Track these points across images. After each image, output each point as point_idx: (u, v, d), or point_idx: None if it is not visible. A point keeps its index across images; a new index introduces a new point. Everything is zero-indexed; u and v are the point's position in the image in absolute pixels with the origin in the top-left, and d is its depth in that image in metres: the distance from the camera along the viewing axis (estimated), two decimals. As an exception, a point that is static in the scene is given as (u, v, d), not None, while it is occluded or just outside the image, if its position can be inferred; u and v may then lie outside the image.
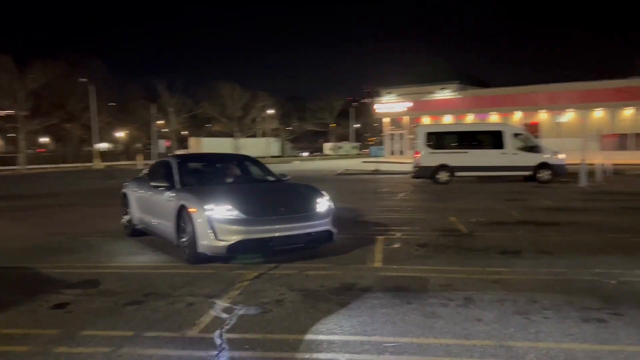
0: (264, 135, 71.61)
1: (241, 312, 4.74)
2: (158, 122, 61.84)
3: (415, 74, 47.68)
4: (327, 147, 76.27)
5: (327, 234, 7.06)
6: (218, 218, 6.43)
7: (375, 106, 49.30)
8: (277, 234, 6.54)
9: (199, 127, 74.29)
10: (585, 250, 7.22)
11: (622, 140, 34.29)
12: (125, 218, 9.07)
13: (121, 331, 4.31)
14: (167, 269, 6.59)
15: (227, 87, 63.37)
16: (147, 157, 51.35)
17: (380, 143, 56.83)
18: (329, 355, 3.75)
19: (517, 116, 39.14)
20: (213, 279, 5.90)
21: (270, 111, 70.94)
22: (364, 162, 42.32)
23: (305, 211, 6.99)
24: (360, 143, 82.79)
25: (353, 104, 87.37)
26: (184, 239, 6.78)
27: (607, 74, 42.08)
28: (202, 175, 8.36)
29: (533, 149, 19.97)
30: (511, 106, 39.46)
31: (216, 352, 3.83)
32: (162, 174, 8.08)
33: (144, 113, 60.55)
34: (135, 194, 8.83)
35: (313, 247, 6.99)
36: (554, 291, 5.25)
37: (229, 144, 61.15)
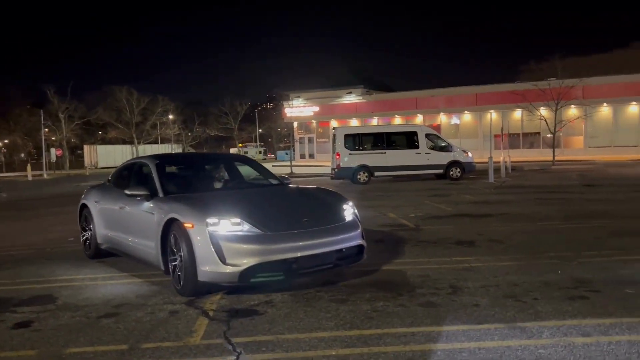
0: (163, 141, 68.93)
1: (235, 315, 4.49)
2: (47, 129, 57.22)
3: (321, 79, 48.55)
4: (233, 152, 75.27)
5: (359, 249, 5.61)
6: (225, 235, 4.93)
7: (286, 110, 49.46)
8: (302, 253, 5.04)
9: (93, 133, 69.92)
10: (529, 238, 7.72)
11: (513, 140, 37.32)
12: (86, 235, 7.33)
13: (112, 345, 3.89)
14: (124, 279, 6.07)
15: (123, 91, 60.15)
16: (36, 167, 47.27)
17: (288, 147, 57.07)
18: (346, 351, 3.65)
19: (419, 119, 41.18)
20: (185, 285, 5.52)
21: (171, 116, 68.53)
22: (274, 166, 42.19)
23: (333, 222, 5.54)
24: (264, 148, 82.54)
25: (257, 108, 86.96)
26: (174, 263, 5.25)
27: (497, 79, 45.57)
28: (190, 181, 6.81)
29: (444, 148, 21.11)
30: (413, 109, 41.47)
31: (234, 357, 3.58)
32: (135, 179, 6.68)
33: (30, 120, 55.77)
34: (98, 205, 7.11)
35: (342, 266, 5.52)
36: (526, 274, 5.55)
37: (128, 151, 58.13)
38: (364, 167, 20.48)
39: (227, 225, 5.00)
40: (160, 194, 5.88)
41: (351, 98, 44.93)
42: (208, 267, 4.90)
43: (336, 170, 20.84)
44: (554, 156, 30.16)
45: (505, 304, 4.54)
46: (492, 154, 23.53)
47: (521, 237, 7.79)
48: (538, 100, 31.39)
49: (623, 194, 13.50)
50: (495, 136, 35.25)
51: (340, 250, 5.36)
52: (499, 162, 21.75)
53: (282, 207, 5.81)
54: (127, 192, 6.04)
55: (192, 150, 72.43)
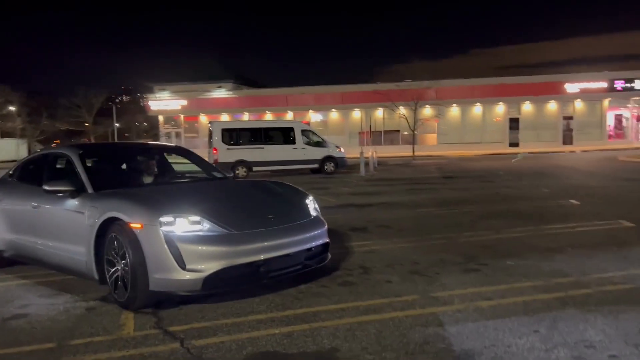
0: (5, 135, 61.91)
1: (160, 307, 4.41)
2: None
3: (188, 73, 47.33)
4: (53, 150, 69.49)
5: (323, 248, 5.22)
6: (183, 236, 4.27)
7: (150, 103, 47.23)
8: (272, 254, 4.53)
9: None
10: (413, 222, 8.49)
11: (376, 137, 39.78)
12: None
13: (36, 345, 3.64)
14: (13, 281, 5.57)
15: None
16: None
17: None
18: (289, 329, 3.83)
19: (289, 115, 42.00)
20: (85, 283, 5.19)
21: (13, 107, 61.74)
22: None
23: (299, 218, 5.11)
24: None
25: (115, 101, 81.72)
26: (115, 272, 4.50)
27: (361, 79, 48.02)
28: (120, 175, 6.06)
29: (319, 144, 21.94)
30: (284, 106, 42.18)
31: (179, 344, 3.58)
32: (51, 173, 5.73)
33: None
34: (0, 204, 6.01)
35: (310, 267, 4.97)
36: (422, 254, 6.15)
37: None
38: (242, 162, 20.52)
39: (185, 225, 4.33)
40: (89, 190, 5.03)
41: (221, 93, 44.38)
42: (163, 275, 4.21)
43: (213, 165, 20.58)
44: (414, 151, 32.81)
45: (414, 279, 5.05)
46: (357, 149, 24.95)
47: (406, 222, 8.53)
48: (398, 100, 33.86)
49: (477, 183, 15.25)
50: (360, 133, 37.35)
51: (310, 249, 4.93)
52: (368, 157, 23.14)
53: (242, 203, 5.24)
54: (46, 187, 5.06)
55: (40, 146, 65.94)
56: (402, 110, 34.55)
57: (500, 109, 40.54)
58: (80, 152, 5.60)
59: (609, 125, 40.19)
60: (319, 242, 5.06)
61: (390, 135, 41.83)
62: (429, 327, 3.77)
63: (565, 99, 39.25)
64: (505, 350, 3.33)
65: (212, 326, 3.93)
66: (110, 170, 6.12)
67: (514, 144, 39.54)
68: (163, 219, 4.30)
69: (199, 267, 4.22)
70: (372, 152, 24.06)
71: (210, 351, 3.46)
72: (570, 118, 39.57)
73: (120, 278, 4.45)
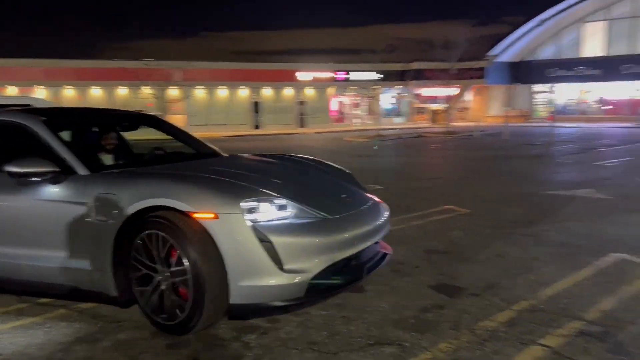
0: None
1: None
2: None
3: None
4: None
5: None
6: (273, 225, 3.27)
7: None
8: (364, 244, 3.66)
9: None
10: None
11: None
12: None
13: None
14: None
15: None
16: None
17: None
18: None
19: (12, 90, 36.33)
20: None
21: None
22: None
23: (367, 199, 4.17)
24: None
25: None
26: (152, 287, 3.36)
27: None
28: (107, 150, 4.66)
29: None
30: (4, 80, 36.24)
31: None
32: (4, 151, 4.08)
33: None
34: None
35: (383, 262, 4.02)
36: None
37: None
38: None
39: (271, 211, 3.32)
40: (81, 170, 3.72)
41: None
42: (253, 280, 3.16)
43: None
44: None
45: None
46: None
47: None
48: (146, 79, 32.69)
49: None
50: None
51: (383, 236, 4.09)
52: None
53: (305, 180, 4.21)
54: (12, 169, 3.58)
55: None
56: (149, 90, 33.47)
57: (243, 92, 42.68)
58: (44, 119, 4.06)
59: (334, 110, 46.30)
60: (388, 228, 4.19)
61: (134, 116, 39.90)
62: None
63: (299, 86, 43.61)
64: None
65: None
66: (89, 144, 4.60)
67: (257, 127, 42.31)
68: (244, 204, 3.24)
69: (301, 266, 3.23)
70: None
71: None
72: (303, 103, 44.19)
73: (164, 293, 3.32)
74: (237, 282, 3.16)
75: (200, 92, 41.09)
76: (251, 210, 3.22)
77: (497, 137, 25.43)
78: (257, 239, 3.14)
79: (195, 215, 3.17)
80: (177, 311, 3.24)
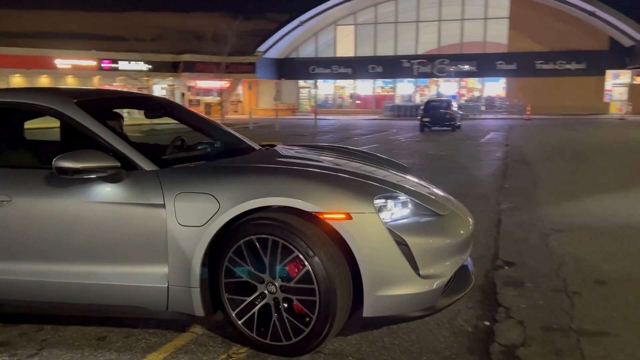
0: None
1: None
2: None
3: None
4: None
5: None
6: (404, 225, 2.83)
7: None
8: (471, 246, 3.32)
9: None
10: None
11: None
12: None
13: None
14: None
15: None
16: None
17: None
18: None
19: None
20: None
21: None
22: None
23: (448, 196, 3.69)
24: None
25: None
26: (272, 301, 2.80)
27: None
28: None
29: None
30: None
31: None
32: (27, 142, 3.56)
33: None
34: None
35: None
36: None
37: None
38: None
39: (397, 209, 2.91)
40: (146, 166, 3.02)
41: None
42: (392, 289, 2.72)
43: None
44: None
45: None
46: None
47: None
48: None
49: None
50: None
51: None
52: None
53: (391, 174, 3.68)
54: (66, 164, 2.80)
55: None
56: None
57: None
58: (76, 100, 3.26)
59: (101, 102, 43.35)
60: None
61: None
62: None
63: (58, 74, 39.59)
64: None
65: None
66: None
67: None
68: (377, 201, 2.82)
69: (435, 271, 2.83)
70: None
71: None
72: (65, 93, 40.37)
73: (278, 308, 2.81)
74: (374, 293, 2.73)
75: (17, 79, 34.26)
76: (381, 209, 2.83)
77: (270, 128, 27.22)
78: (394, 241, 2.75)
79: (325, 216, 2.73)
80: (291, 330, 2.78)
